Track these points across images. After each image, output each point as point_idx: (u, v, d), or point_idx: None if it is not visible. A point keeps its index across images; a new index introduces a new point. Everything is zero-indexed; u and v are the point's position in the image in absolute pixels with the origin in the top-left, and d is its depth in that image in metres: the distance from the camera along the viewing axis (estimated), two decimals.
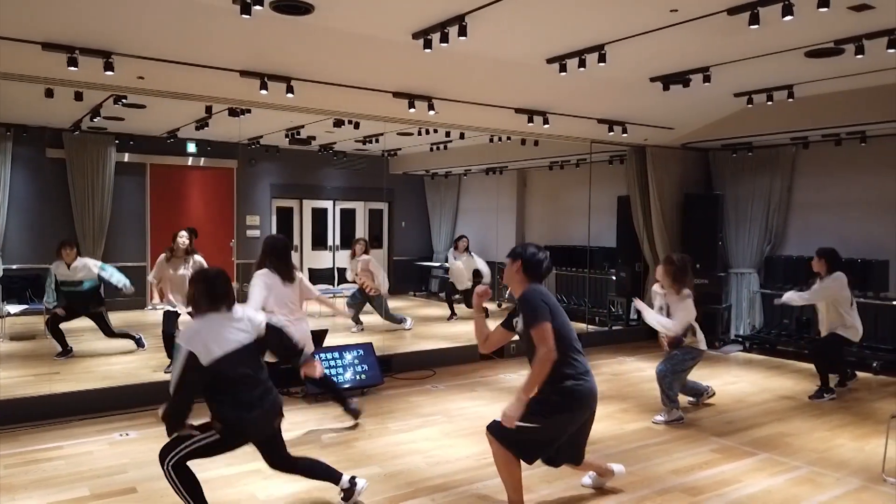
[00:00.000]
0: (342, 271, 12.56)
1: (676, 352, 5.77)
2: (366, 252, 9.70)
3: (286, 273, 5.30)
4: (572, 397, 3.68)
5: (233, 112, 7.97)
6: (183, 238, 7.01)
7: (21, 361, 7.26)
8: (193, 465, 3.48)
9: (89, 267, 7.36)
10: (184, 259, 7.01)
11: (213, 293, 3.53)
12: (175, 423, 3.41)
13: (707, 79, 6.13)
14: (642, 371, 6.09)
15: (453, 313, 10.92)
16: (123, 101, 7.11)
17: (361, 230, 13.44)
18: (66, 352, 7.42)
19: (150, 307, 7.31)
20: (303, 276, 5.53)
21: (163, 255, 7.05)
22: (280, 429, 3.74)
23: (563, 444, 3.83)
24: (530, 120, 7.69)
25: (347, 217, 13.44)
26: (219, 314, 3.51)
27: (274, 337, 3.72)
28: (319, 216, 13.14)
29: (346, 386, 6.35)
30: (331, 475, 3.86)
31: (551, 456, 3.90)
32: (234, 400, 3.44)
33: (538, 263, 3.79)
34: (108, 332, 7.66)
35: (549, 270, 3.87)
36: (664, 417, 5.72)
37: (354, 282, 9.70)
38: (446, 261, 11.90)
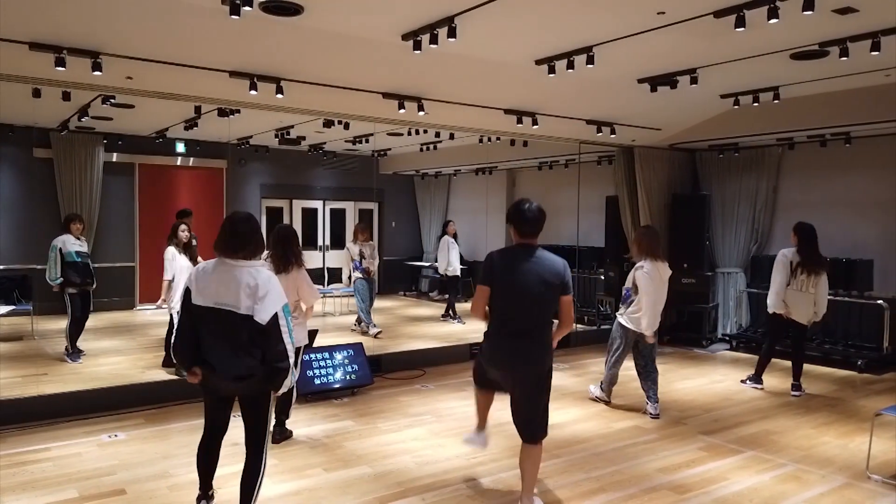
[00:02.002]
0: (332, 271, 12.58)
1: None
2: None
3: (277, 263, 4.82)
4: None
5: (222, 112, 7.95)
6: (185, 232, 6.80)
7: (8, 363, 7.21)
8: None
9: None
10: (187, 250, 6.81)
11: (230, 236, 3.39)
12: (178, 358, 3.49)
13: (694, 80, 6.18)
14: (629, 370, 6.12)
15: (454, 316, 10.66)
16: (112, 100, 7.08)
17: (351, 231, 13.41)
18: (78, 353, 7.29)
19: (138, 307, 7.22)
20: (304, 274, 4.93)
21: (173, 248, 6.67)
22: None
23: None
24: (519, 121, 7.72)
25: (337, 217, 13.44)
26: (226, 265, 3.34)
27: (265, 338, 3.26)
28: (309, 216, 13.12)
29: (337, 386, 6.37)
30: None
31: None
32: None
33: (520, 213, 3.93)
34: (88, 309, 7.43)
35: (538, 221, 4.01)
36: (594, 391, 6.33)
37: (360, 264, 9.21)
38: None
